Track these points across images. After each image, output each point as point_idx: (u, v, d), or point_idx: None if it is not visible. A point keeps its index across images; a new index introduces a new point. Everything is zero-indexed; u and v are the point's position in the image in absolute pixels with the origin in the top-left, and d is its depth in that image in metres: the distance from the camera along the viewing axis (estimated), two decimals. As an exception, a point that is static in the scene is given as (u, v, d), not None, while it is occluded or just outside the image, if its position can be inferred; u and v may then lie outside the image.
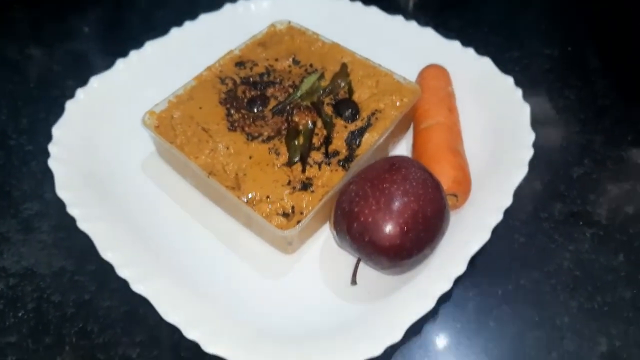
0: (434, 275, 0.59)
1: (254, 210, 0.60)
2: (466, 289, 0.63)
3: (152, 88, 0.72)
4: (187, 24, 0.85)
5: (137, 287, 0.57)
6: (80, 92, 0.74)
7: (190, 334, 0.54)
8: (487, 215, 0.62)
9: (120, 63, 0.78)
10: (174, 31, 0.84)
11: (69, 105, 0.73)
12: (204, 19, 0.86)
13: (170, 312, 0.55)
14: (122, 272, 0.58)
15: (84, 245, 0.61)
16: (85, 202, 0.64)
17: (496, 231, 0.61)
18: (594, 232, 0.68)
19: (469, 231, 0.61)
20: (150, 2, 1.02)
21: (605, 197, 0.72)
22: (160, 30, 0.84)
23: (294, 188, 0.63)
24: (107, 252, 0.59)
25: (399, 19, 0.86)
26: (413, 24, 0.85)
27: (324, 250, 0.65)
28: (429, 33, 0.84)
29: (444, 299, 0.60)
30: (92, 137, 0.72)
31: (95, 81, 0.76)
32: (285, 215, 0.61)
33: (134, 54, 0.80)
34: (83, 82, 0.75)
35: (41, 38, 0.94)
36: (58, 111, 0.72)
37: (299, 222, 0.60)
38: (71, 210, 0.62)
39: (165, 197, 0.69)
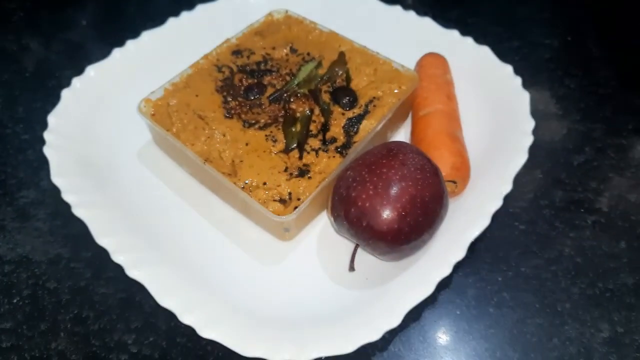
0: (433, 260, 0.58)
1: (250, 197, 0.60)
2: (466, 275, 0.63)
3: (149, 77, 0.72)
4: (184, 14, 0.84)
5: (132, 272, 0.56)
6: (76, 81, 0.74)
7: (185, 318, 0.54)
8: (486, 202, 0.61)
9: (116, 52, 0.78)
10: (171, 21, 0.83)
11: (65, 93, 0.72)
12: (202, 9, 0.86)
13: (165, 296, 0.55)
14: (117, 257, 0.57)
15: (80, 233, 0.61)
16: (81, 188, 0.63)
17: (496, 218, 0.60)
18: (595, 219, 0.68)
19: (468, 217, 0.61)
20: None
21: (606, 184, 0.71)
22: (157, 21, 0.83)
23: (291, 174, 0.62)
24: (102, 237, 0.59)
25: (397, 8, 0.86)
26: (411, 13, 0.85)
27: (321, 236, 0.65)
28: (428, 22, 0.83)
29: (443, 285, 0.60)
30: (88, 125, 0.72)
31: (91, 70, 0.75)
32: (282, 201, 0.60)
33: (130, 44, 0.79)
34: (79, 71, 0.75)
35: (38, 28, 0.94)
36: (54, 100, 0.72)
37: (295, 208, 0.59)
38: (66, 196, 0.61)
39: (161, 184, 0.69)
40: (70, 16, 0.97)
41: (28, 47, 0.91)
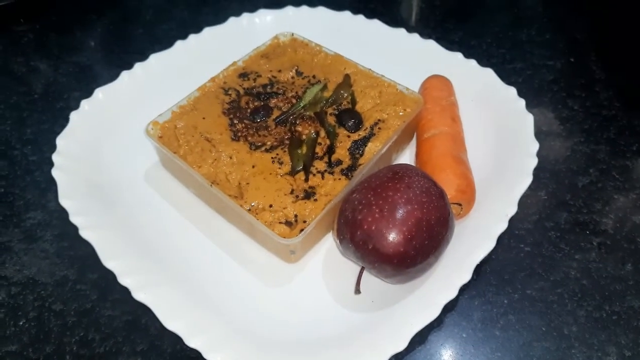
0: (439, 283, 0.58)
1: (256, 219, 0.60)
2: (472, 298, 0.62)
3: (156, 100, 0.73)
4: (192, 37, 0.86)
5: (138, 295, 0.57)
6: (84, 103, 0.75)
7: (191, 342, 0.53)
8: (492, 224, 0.61)
9: (124, 75, 0.79)
10: (179, 44, 0.85)
11: (74, 116, 0.73)
12: (209, 32, 0.87)
13: (171, 319, 0.55)
14: (123, 280, 0.57)
15: (86, 255, 0.62)
16: (88, 210, 0.64)
17: (501, 240, 0.61)
18: (600, 241, 0.68)
19: (474, 239, 0.61)
20: (156, 16, 1.03)
21: (611, 206, 0.71)
22: (165, 43, 0.85)
23: (297, 197, 0.62)
24: (109, 260, 0.59)
25: (401, 31, 0.87)
26: (415, 36, 0.86)
27: (327, 259, 0.65)
28: (432, 45, 0.84)
29: (449, 308, 0.60)
30: (96, 147, 0.73)
31: (99, 92, 0.76)
32: (288, 223, 0.61)
33: (138, 67, 0.80)
34: (88, 94, 0.76)
35: (47, 51, 0.96)
36: (62, 122, 0.73)
37: (302, 230, 0.59)
38: (74, 218, 0.62)
39: (168, 206, 0.69)
40: (78, 39, 0.98)
41: (37, 69, 0.92)
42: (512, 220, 0.61)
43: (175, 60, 0.83)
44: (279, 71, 0.77)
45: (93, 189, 0.67)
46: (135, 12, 1.04)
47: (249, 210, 0.61)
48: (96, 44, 0.97)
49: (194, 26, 0.88)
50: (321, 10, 0.91)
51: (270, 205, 0.62)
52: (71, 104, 0.77)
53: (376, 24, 0.88)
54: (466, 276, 0.57)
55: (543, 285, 0.63)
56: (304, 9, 0.91)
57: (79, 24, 1.00)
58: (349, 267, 0.63)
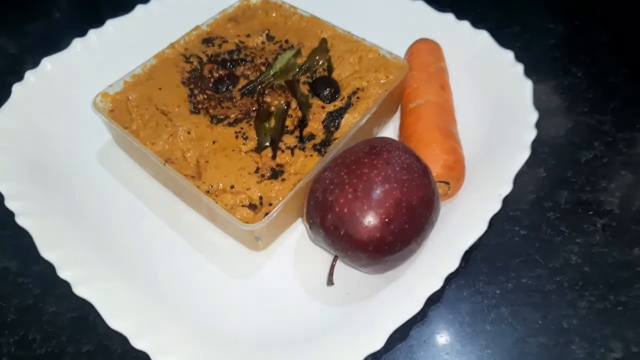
0: (422, 273, 0.52)
1: (215, 202, 0.53)
2: (459, 288, 0.57)
3: (112, 71, 0.65)
4: (154, 1, 0.77)
5: (79, 289, 0.50)
6: (30, 75, 0.67)
7: (138, 343, 0.48)
8: (483, 205, 0.56)
9: (77, 43, 0.71)
10: (139, 8, 0.76)
11: (17, 88, 0.66)
12: (173, -6, 0.79)
13: (116, 317, 0.49)
14: (63, 272, 0.51)
15: (31, 244, 0.55)
16: (27, 195, 0.57)
17: (494, 222, 0.55)
18: (605, 222, 0.62)
19: (462, 222, 0.55)
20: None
21: (617, 183, 0.65)
22: (129, 9, 0.77)
23: (263, 176, 0.56)
24: (47, 250, 0.53)
25: (386, -10, 0.79)
26: (402, -5, 0.78)
27: (298, 246, 0.58)
28: (419, 5, 0.77)
29: (434, 300, 0.55)
30: (43, 123, 0.66)
31: (47, 63, 0.69)
32: (252, 207, 0.54)
33: (92, 33, 0.73)
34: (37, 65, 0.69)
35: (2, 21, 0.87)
36: (6, 97, 0.65)
37: (266, 214, 0.52)
38: (10, 203, 0.55)
39: (121, 189, 0.63)
40: (36, 6, 0.90)
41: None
42: (506, 200, 0.56)
43: (134, 26, 0.75)
44: (248, 36, 0.69)
45: (36, 171, 0.61)
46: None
47: (207, 192, 0.54)
48: (56, 12, 0.89)
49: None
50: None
51: (232, 186, 0.55)
52: (22, 77, 0.69)
53: (358, -18, 0.80)
54: (453, 264, 0.51)
55: (540, 273, 0.58)
56: (280, -32, 0.83)
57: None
58: (323, 256, 0.57)
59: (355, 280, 0.54)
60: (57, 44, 0.80)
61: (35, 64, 0.71)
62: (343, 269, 0.55)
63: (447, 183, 0.57)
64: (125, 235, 0.58)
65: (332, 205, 0.49)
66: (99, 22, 0.74)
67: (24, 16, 0.88)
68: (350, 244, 0.49)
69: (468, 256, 0.53)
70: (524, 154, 0.58)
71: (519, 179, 0.57)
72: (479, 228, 0.53)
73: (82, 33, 0.73)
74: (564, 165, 0.67)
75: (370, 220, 0.48)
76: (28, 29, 0.86)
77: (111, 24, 0.74)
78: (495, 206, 0.54)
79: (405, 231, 0.49)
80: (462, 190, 0.59)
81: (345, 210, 0.49)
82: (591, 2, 0.88)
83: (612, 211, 0.62)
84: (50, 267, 0.52)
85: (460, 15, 0.75)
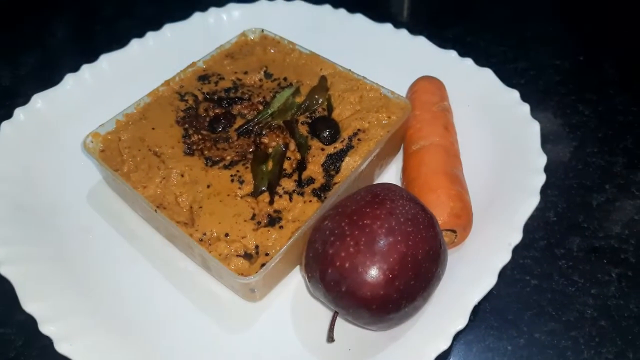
0: (429, 330, 0.49)
1: (208, 252, 0.50)
2: (468, 344, 0.53)
3: (105, 107, 0.63)
4: (150, 35, 0.76)
5: (62, 346, 0.47)
6: (19, 112, 0.65)
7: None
8: (492, 255, 0.53)
9: (69, 79, 0.69)
10: (134, 43, 0.74)
11: (5, 126, 0.64)
12: (169, 29, 0.77)
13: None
14: (46, 328, 0.48)
15: (14, 291, 0.51)
16: (10, 241, 0.54)
17: (503, 271, 0.52)
18: (620, 272, 0.59)
19: (470, 274, 0.52)
20: (117, 11, 0.93)
21: (632, 229, 0.62)
22: (125, 42, 0.75)
23: (259, 223, 0.53)
24: (29, 302, 0.49)
25: (387, 27, 0.77)
26: (403, 32, 0.76)
27: (296, 297, 0.55)
28: (422, 42, 0.75)
29: (441, 358, 0.49)
30: (31, 163, 0.63)
31: (38, 99, 0.66)
32: (248, 256, 0.51)
33: (86, 69, 0.70)
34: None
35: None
36: (-5, 134, 0.63)
37: (263, 265, 0.49)
38: (-8, 250, 0.52)
39: (111, 232, 0.60)
40: (30, 37, 0.88)
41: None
42: (515, 247, 0.53)
43: (129, 61, 0.73)
44: (245, 73, 0.67)
45: (22, 213, 0.58)
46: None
47: (201, 240, 0.51)
48: (51, 43, 0.87)
49: (156, 23, 0.78)
50: (298, 5, 0.81)
51: (227, 234, 0.52)
52: (12, 112, 0.67)
53: (359, 18, 0.79)
54: (461, 321, 0.48)
55: (554, 327, 0.54)
56: (279, 2, 0.81)
57: (33, 21, 0.90)
58: (322, 308, 0.53)
59: (357, 336, 0.51)
60: (50, 77, 0.79)
61: (27, 96, 0.69)
62: (345, 323, 0.51)
63: (454, 231, 0.54)
64: (113, 284, 0.55)
65: (333, 259, 0.46)
66: (94, 55, 0.72)
67: (19, 46, 0.86)
68: (352, 301, 0.46)
69: (477, 308, 0.50)
70: (534, 201, 0.55)
71: (528, 223, 0.55)
72: (488, 281, 0.50)
73: (76, 65, 0.71)
74: (575, 210, 0.64)
75: (373, 276, 0.45)
76: (23, 59, 0.84)
77: (105, 59, 0.72)
78: (505, 257, 0.52)
79: (410, 287, 0.46)
80: (469, 239, 0.56)
81: (347, 264, 0.46)
82: (596, 37, 0.86)
83: (627, 259, 0.59)
84: (33, 318, 0.49)
85: (463, 50, 0.73)
